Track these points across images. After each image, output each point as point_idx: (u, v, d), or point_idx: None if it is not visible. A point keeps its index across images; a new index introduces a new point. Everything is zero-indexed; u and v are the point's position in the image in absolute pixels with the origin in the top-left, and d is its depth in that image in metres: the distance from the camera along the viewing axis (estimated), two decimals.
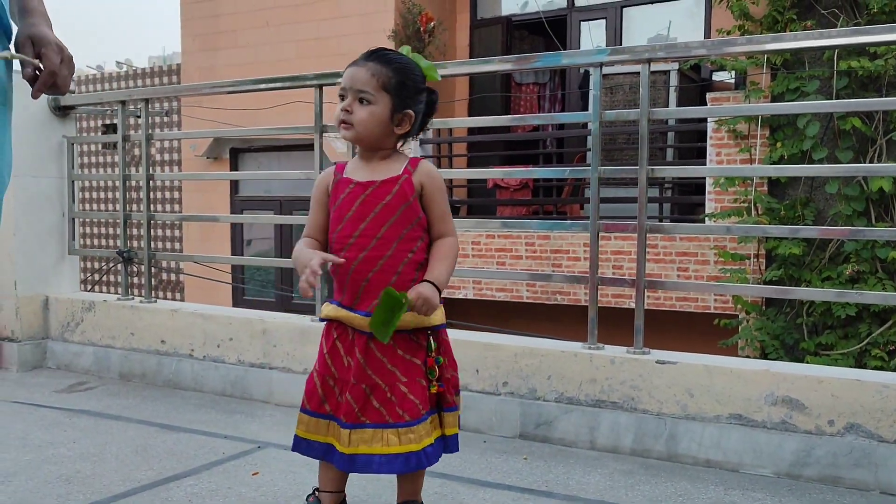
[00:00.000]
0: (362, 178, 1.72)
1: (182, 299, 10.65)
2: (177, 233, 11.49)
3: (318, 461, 1.81)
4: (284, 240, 10.12)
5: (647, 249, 6.98)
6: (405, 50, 1.77)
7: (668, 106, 7.59)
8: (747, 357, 6.10)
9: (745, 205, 6.62)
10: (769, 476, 2.27)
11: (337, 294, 1.77)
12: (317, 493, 1.86)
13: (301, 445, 1.78)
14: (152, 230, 11.41)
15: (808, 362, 5.98)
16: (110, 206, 12.25)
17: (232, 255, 10.30)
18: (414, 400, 1.68)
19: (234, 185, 10.64)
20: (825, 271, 6.38)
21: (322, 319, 1.81)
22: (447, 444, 1.78)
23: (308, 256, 1.65)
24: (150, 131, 3.64)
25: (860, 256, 6.21)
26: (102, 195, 12.59)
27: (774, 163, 6.42)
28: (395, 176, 1.71)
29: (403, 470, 1.68)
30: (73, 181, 3.90)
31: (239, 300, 10.11)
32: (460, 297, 8.12)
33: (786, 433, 2.27)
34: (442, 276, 1.69)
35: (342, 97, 1.71)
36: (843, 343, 6.32)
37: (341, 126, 1.71)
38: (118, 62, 14.28)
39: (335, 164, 1.82)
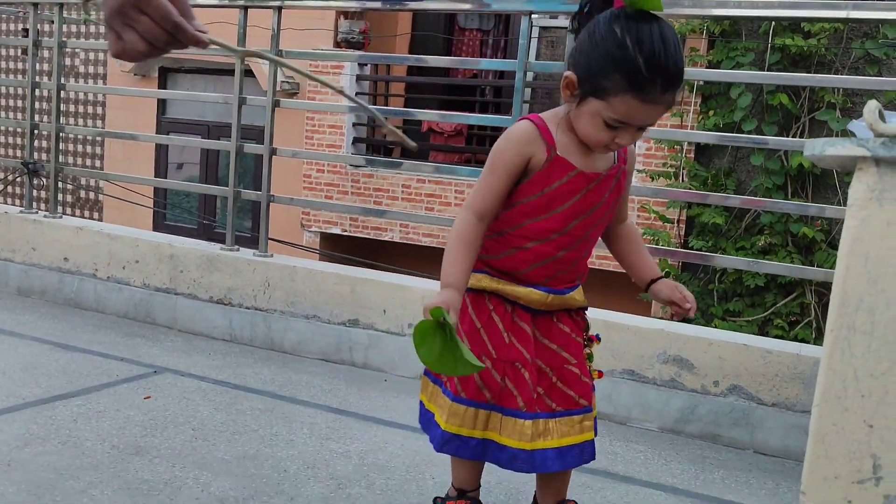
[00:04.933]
0: (585, 168, 1.38)
1: (100, 219, 10.32)
2: (98, 150, 11.05)
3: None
4: (210, 165, 9.85)
5: None
6: None
7: None
8: (661, 318, 6.29)
9: (673, 169, 6.75)
10: (654, 430, 2.36)
11: (485, 266, 1.46)
12: (456, 492, 1.56)
13: (452, 444, 1.42)
14: (74, 145, 10.96)
15: (715, 327, 6.21)
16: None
17: (156, 177, 9.97)
18: (588, 382, 1.46)
19: (162, 105, 10.24)
20: (740, 241, 6.59)
21: (470, 290, 1.43)
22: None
23: (450, 299, 1.28)
24: (63, 38, 3.45)
25: (774, 229, 6.44)
26: (20, 104, 11.99)
27: (708, 130, 6.53)
28: (615, 167, 1.42)
29: (577, 463, 1.44)
30: None
31: (160, 225, 9.85)
32: (387, 238, 8.10)
33: (673, 391, 2.35)
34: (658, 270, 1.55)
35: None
36: (749, 311, 6.58)
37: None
38: None
39: (537, 123, 1.39)
